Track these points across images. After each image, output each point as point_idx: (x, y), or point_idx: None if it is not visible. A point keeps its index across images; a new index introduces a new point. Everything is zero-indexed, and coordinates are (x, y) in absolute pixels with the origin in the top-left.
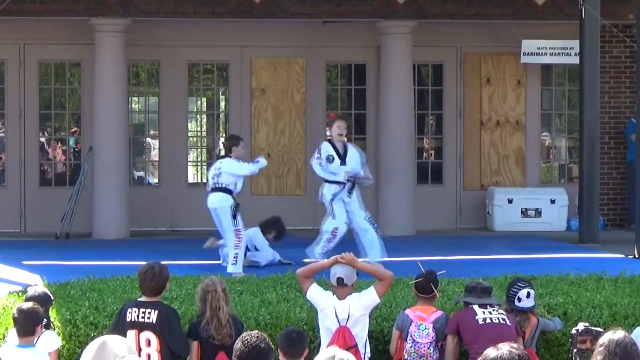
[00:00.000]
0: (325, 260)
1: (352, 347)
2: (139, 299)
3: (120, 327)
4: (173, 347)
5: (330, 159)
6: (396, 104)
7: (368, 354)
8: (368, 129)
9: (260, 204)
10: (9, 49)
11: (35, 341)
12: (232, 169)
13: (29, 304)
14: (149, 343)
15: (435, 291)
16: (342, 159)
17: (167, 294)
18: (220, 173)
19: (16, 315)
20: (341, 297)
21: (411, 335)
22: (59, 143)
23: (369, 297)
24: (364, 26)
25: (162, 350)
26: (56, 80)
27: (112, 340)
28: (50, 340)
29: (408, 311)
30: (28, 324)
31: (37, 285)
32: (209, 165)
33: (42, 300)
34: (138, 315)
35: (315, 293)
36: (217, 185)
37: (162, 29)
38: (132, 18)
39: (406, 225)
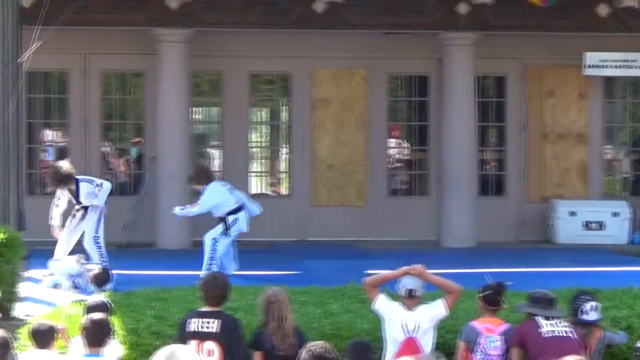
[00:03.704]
0: (395, 270)
1: None
2: (200, 309)
3: (182, 338)
4: (235, 356)
5: None
6: (458, 116)
7: None
8: (430, 140)
9: (321, 215)
10: (72, 59)
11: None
12: None
13: (101, 315)
14: (210, 353)
15: (504, 303)
16: None
17: (230, 304)
18: None
19: (88, 325)
20: (410, 308)
21: (482, 347)
22: (121, 152)
23: (437, 310)
24: (426, 38)
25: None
26: (119, 90)
27: (180, 351)
28: (113, 349)
29: (475, 323)
30: (100, 335)
31: (96, 294)
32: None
33: (102, 309)
34: (199, 325)
35: (383, 303)
36: None
37: (224, 40)
38: (194, 29)
39: (467, 236)
